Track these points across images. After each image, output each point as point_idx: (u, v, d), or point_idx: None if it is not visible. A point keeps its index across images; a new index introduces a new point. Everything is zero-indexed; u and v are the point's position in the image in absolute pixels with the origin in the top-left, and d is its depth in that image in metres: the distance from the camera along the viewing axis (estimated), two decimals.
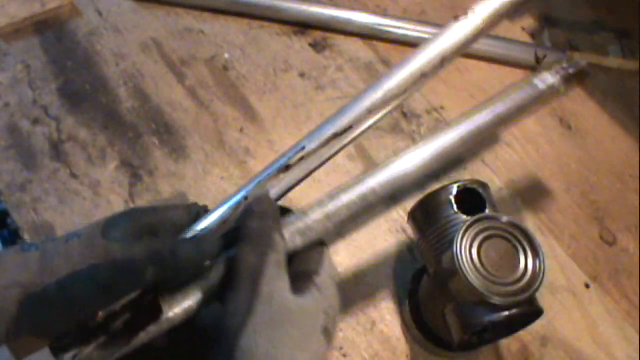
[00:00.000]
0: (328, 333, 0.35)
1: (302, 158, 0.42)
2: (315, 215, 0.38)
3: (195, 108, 0.60)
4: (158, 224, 0.38)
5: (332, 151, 0.42)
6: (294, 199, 0.56)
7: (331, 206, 0.38)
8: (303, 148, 0.42)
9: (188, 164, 0.57)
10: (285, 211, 0.39)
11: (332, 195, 0.39)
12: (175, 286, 0.35)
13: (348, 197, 0.39)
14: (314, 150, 0.42)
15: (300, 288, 0.35)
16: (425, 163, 0.42)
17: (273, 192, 0.40)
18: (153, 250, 0.35)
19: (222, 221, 0.38)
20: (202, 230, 0.38)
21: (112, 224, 0.37)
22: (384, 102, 0.43)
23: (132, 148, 0.57)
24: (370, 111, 0.42)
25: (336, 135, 0.42)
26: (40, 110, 0.58)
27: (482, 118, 0.44)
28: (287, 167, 0.41)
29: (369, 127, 0.42)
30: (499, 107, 0.45)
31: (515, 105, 0.45)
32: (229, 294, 0.32)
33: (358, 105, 0.42)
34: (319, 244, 0.38)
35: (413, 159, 0.42)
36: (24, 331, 0.37)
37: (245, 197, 0.39)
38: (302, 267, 0.36)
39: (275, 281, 0.33)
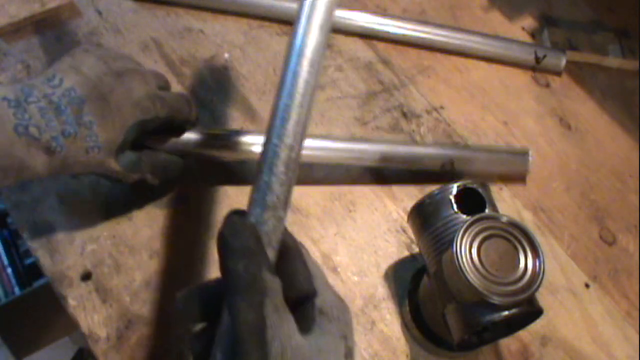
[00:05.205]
0: (351, 353, 0.33)
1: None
2: (263, 216, 0.34)
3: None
4: None
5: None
6: (294, 201, 0.56)
7: (268, 196, 0.34)
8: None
9: None
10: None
11: (257, 186, 0.35)
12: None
13: (273, 174, 0.35)
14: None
15: (307, 323, 0.32)
16: (305, 73, 0.37)
17: None
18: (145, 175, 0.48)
19: None
20: None
21: (125, 145, 0.46)
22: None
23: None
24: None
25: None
26: None
27: None
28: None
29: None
30: None
31: None
32: None
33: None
34: (291, 245, 0.34)
35: (290, 82, 0.37)
36: None
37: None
38: (294, 291, 0.32)
39: (282, 330, 0.29)
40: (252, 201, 0.34)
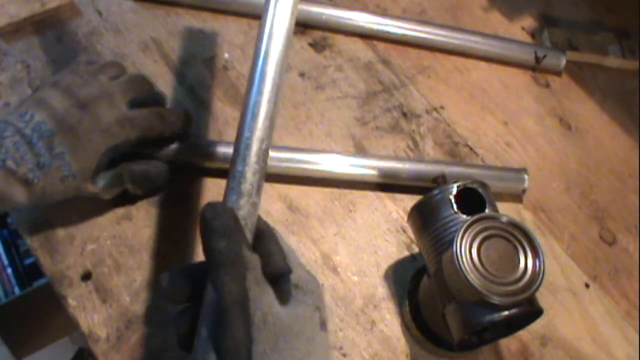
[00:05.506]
0: (324, 324, 0.36)
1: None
2: (239, 200, 0.37)
3: (195, 108, 0.60)
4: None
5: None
6: (294, 200, 0.56)
7: (243, 184, 0.38)
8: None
9: None
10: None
11: (232, 175, 0.38)
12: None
13: (246, 165, 0.38)
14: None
15: (284, 295, 0.35)
16: (272, 68, 0.41)
17: None
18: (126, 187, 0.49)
19: None
20: None
21: (99, 170, 0.47)
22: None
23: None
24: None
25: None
26: None
27: None
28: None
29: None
30: None
31: None
32: (223, 330, 0.31)
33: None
34: (265, 229, 0.38)
35: (259, 79, 0.41)
36: None
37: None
38: (271, 268, 0.35)
39: (262, 301, 0.32)
40: (228, 189, 0.38)
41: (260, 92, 0.40)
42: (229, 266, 0.32)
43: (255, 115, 0.40)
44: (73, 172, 0.45)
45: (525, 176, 0.58)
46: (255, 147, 0.39)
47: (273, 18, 0.41)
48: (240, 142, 0.39)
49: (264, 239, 0.37)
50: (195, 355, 0.33)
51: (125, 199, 0.52)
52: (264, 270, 0.34)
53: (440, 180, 0.55)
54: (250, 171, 0.38)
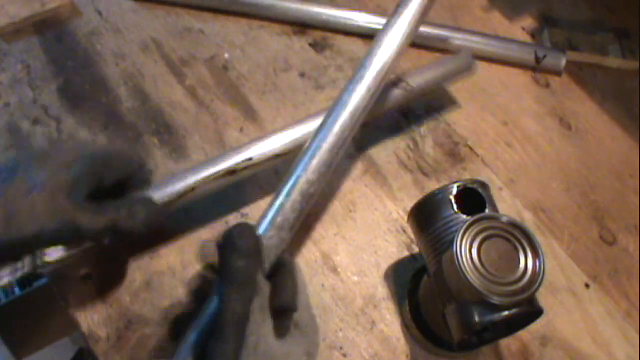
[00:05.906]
0: None
1: (246, 168, 0.46)
2: (268, 232, 0.38)
3: (195, 108, 0.60)
4: (116, 177, 0.43)
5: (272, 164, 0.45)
6: None
7: (278, 217, 0.38)
8: (250, 159, 0.46)
9: (188, 163, 0.57)
10: None
11: (271, 204, 0.39)
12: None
13: (289, 199, 0.39)
14: (259, 164, 0.46)
15: (282, 330, 0.36)
16: (344, 122, 0.42)
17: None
18: (113, 221, 0.40)
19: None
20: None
21: (77, 186, 0.39)
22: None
23: (132, 148, 0.57)
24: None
25: (278, 156, 0.46)
26: (41, 110, 0.58)
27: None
28: (232, 172, 0.45)
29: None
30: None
31: None
32: (215, 343, 0.32)
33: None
34: (287, 262, 0.38)
35: (329, 126, 0.42)
36: None
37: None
38: (279, 301, 0.36)
39: (261, 328, 0.33)
40: (263, 216, 0.39)
41: (324, 139, 0.41)
42: (240, 285, 0.33)
43: (312, 158, 0.40)
44: (41, 182, 0.38)
45: (470, 51, 0.61)
46: (303, 186, 0.40)
47: (361, 74, 0.43)
48: (290, 176, 0.40)
49: (282, 272, 0.38)
50: (177, 358, 0.33)
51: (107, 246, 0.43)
52: (271, 301, 0.35)
53: (404, 85, 0.56)
54: (290, 207, 0.39)
